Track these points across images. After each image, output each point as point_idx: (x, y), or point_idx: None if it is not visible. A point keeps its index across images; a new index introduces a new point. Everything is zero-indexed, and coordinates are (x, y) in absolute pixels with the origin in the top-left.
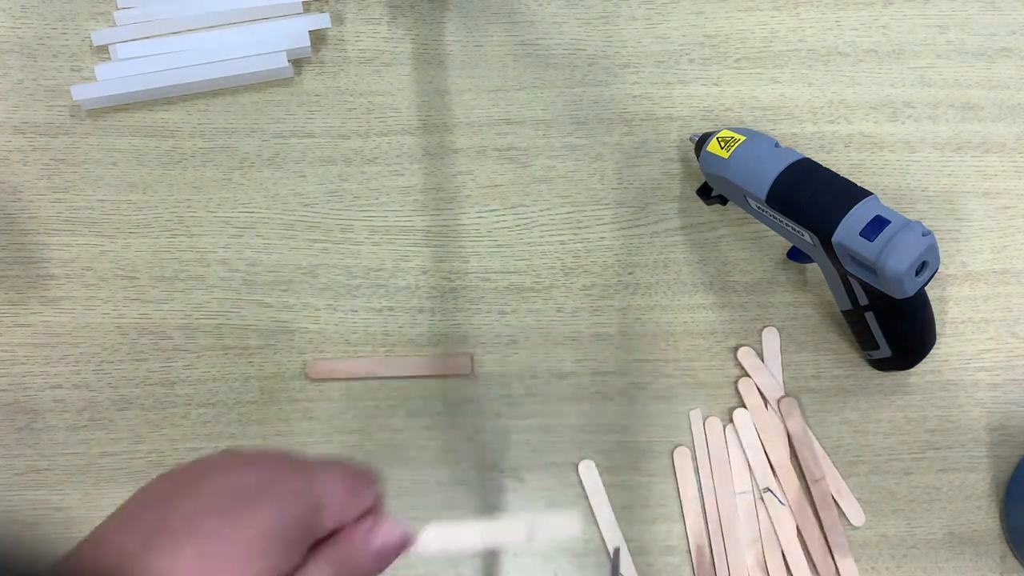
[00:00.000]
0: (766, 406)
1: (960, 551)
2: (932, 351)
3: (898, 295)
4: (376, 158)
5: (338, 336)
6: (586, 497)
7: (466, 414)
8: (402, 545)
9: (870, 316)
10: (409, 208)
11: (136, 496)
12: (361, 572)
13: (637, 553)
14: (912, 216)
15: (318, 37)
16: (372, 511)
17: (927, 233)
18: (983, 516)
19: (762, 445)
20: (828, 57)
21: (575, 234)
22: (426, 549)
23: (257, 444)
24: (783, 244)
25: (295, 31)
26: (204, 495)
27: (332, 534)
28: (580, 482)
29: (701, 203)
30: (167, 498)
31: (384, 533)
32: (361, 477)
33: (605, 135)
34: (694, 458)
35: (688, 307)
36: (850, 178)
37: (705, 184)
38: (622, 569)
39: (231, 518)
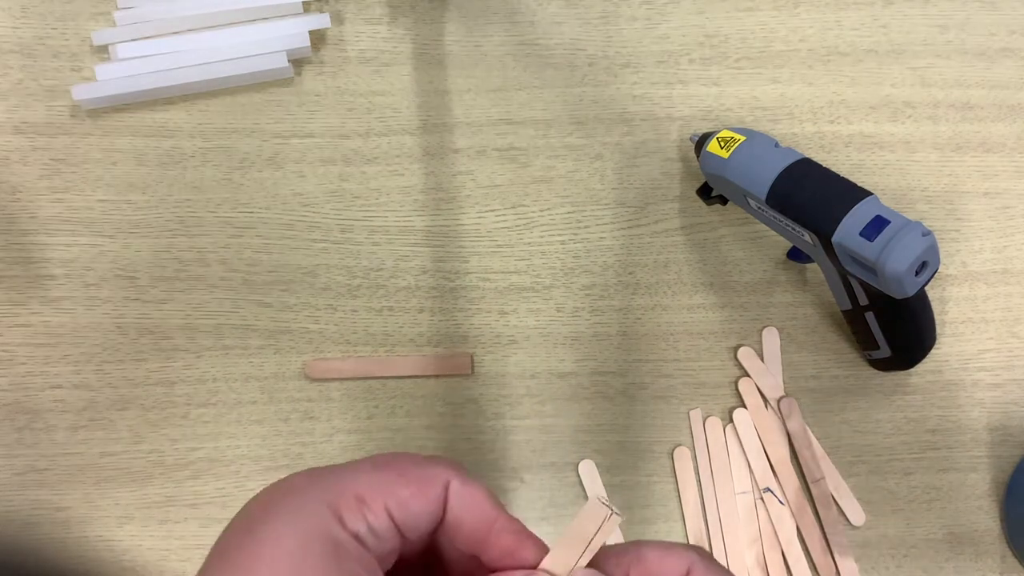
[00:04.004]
0: (766, 406)
1: (960, 551)
2: (932, 351)
3: (898, 295)
4: (376, 158)
5: (338, 336)
6: (586, 497)
7: (466, 414)
8: None
9: (870, 316)
10: (409, 208)
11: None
12: None
13: None
14: (912, 216)
15: (318, 37)
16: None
17: (927, 233)
18: (983, 516)
19: (762, 445)
20: (828, 57)
21: (575, 234)
22: None
23: (257, 444)
24: (783, 244)
25: (295, 31)
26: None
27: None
28: (580, 482)
29: (701, 203)
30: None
31: None
32: (412, 458)
33: (605, 135)
34: (694, 458)
35: (688, 307)
36: (850, 178)
37: (705, 184)
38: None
39: (248, 537)
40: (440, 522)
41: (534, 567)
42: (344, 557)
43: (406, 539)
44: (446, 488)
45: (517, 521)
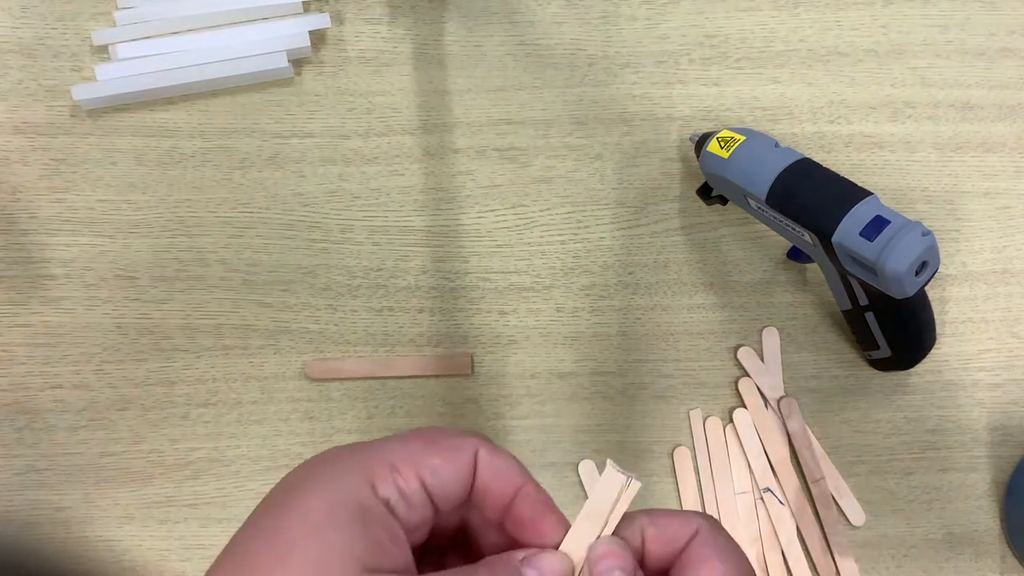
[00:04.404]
0: (766, 406)
1: (960, 551)
2: (932, 351)
3: (898, 295)
4: (376, 158)
5: (338, 336)
6: (586, 497)
7: (466, 414)
8: None
9: (870, 316)
10: (409, 208)
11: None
12: None
13: None
14: (912, 216)
15: (318, 37)
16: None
17: (927, 233)
18: (983, 516)
19: (762, 445)
20: (828, 57)
21: (575, 234)
22: None
23: (257, 444)
24: (783, 244)
25: (295, 31)
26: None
27: (477, 548)
28: (580, 482)
29: (701, 203)
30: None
31: (547, 566)
32: (442, 430)
33: (605, 135)
34: (694, 458)
35: (688, 307)
36: (850, 178)
37: (705, 184)
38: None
39: (283, 500)
40: (470, 492)
41: (556, 546)
42: (370, 523)
43: (438, 509)
44: (475, 457)
45: (543, 491)
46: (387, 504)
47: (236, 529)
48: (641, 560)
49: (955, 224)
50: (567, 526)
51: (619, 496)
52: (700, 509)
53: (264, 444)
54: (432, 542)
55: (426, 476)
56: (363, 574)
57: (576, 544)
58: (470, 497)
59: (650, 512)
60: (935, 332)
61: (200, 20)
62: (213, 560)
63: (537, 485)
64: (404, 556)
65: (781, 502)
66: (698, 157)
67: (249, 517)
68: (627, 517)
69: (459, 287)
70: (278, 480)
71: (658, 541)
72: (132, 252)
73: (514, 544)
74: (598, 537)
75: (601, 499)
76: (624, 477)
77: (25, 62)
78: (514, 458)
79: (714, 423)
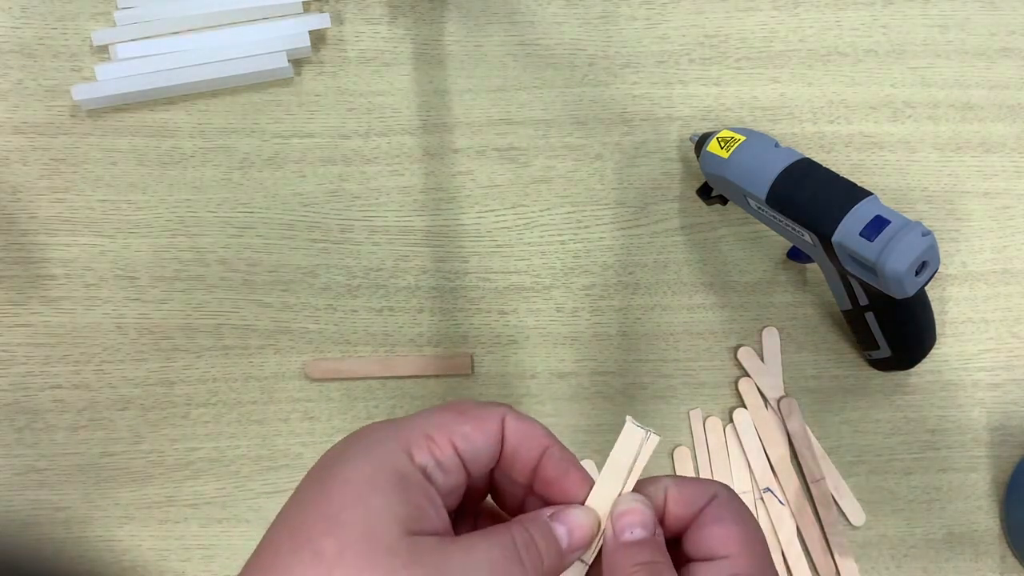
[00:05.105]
0: (766, 406)
1: (960, 551)
2: (932, 351)
3: (898, 295)
4: (376, 158)
5: (338, 336)
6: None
7: None
8: (586, 541)
9: (870, 316)
10: (409, 208)
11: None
12: (539, 566)
13: None
14: (912, 216)
15: (318, 37)
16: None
17: (927, 233)
18: (983, 516)
19: (762, 445)
20: (828, 57)
21: (575, 234)
22: None
23: (257, 444)
24: (783, 244)
25: (295, 31)
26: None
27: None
28: None
29: (701, 203)
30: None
31: (574, 520)
32: (470, 401)
33: (605, 135)
34: (694, 458)
35: (688, 307)
36: (850, 178)
37: (705, 184)
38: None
39: (324, 473)
40: (500, 457)
41: (582, 502)
42: (410, 488)
43: (470, 474)
44: (502, 423)
45: (567, 451)
46: (424, 471)
47: (236, 529)
48: (662, 519)
49: (955, 224)
50: (591, 483)
51: (639, 450)
52: None
53: (264, 444)
54: (466, 506)
55: (458, 443)
56: (406, 536)
57: (601, 499)
58: (500, 462)
59: (675, 476)
60: (935, 332)
61: (200, 20)
62: (213, 559)
63: (562, 446)
64: (442, 519)
65: (781, 502)
66: (698, 157)
67: (295, 491)
68: (653, 479)
69: (459, 287)
70: (278, 480)
71: (679, 502)
72: (132, 252)
73: (543, 505)
74: (621, 492)
75: (622, 454)
76: (643, 431)
77: (25, 62)
78: (539, 422)
79: (714, 423)
